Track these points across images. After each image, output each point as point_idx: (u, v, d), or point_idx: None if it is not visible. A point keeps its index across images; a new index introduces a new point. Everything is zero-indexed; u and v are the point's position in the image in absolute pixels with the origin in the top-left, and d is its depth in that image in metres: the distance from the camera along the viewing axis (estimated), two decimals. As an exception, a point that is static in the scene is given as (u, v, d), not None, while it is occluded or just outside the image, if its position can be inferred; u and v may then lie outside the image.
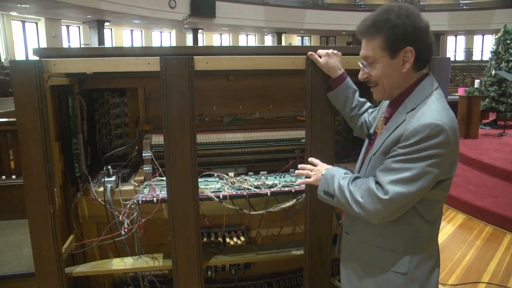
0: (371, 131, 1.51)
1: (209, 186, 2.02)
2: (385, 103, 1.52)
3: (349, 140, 2.63)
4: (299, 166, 1.57)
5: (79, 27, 18.66)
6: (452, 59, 21.70)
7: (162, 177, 2.08)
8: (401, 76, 1.31)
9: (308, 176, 1.51)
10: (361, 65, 1.37)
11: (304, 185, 1.95)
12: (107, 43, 18.60)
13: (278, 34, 23.21)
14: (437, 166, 1.20)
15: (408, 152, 1.20)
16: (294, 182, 2.08)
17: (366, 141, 1.53)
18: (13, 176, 4.27)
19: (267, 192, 1.97)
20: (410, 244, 1.33)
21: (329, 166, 1.48)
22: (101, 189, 2.03)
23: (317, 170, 1.49)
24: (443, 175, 1.24)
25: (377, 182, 1.25)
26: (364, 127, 1.73)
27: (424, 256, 1.35)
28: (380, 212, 1.24)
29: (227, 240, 2.26)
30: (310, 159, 1.55)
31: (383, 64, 1.30)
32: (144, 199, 1.88)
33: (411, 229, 1.32)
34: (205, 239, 2.20)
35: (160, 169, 2.10)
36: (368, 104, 1.76)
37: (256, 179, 2.15)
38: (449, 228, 4.33)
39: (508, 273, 3.31)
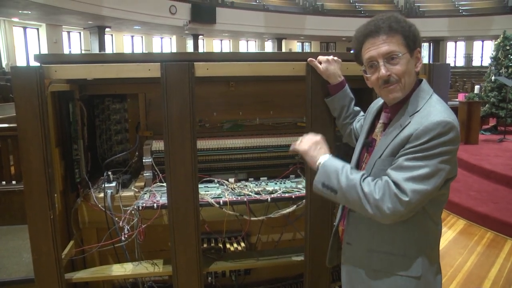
0: (363, 137, 1.51)
1: (209, 192, 2.02)
2: (372, 111, 1.54)
3: (350, 146, 2.63)
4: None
5: (80, 33, 18.75)
6: (452, 64, 21.85)
7: (163, 183, 2.08)
8: (413, 76, 1.34)
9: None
10: (381, 63, 1.29)
11: (304, 191, 1.95)
12: (108, 49, 18.68)
13: (279, 40, 23.30)
14: (448, 162, 1.22)
15: (420, 150, 1.21)
16: (295, 188, 2.08)
17: (358, 148, 1.52)
18: (13, 182, 4.27)
19: (268, 198, 1.97)
20: (422, 247, 1.32)
21: (318, 138, 1.42)
22: (101, 195, 2.03)
23: (306, 138, 1.45)
24: (451, 173, 1.26)
25: (392, 181, 1.23)
26: (352, 134, 1.75)
27: (433, 258, 1.35)
28: (399, 212, 1.21)
29: (227, 246, 2.26)
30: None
31: (406, 60, 1.30)
32: (144, 205, 1.88)
33: (421, 231, 1.32)
34: (205, 245, 2.20)
35: (160, 175, 2.10)
36: (362, 113, 1.77)
37: (257, 185, 2.15)
38: (449, 234, 4.32)
39: (509, 280, 3.30)
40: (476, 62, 24.76)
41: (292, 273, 2.47)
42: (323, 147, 1.43)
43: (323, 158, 1.38)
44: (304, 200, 1.93)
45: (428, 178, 1.20)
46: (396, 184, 1.22)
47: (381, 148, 1.33)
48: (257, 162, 2.32)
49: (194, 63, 1.75)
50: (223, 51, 22.59)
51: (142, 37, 21.36)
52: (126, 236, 1.89)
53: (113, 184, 2.06)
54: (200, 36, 21.43)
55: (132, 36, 21.07)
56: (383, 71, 1.29)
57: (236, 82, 2.42)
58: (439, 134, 1.19)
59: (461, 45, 25.23)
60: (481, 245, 4.01)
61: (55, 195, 1.80)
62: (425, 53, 24.61)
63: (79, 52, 18.29)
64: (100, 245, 2.01)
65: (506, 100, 8.65)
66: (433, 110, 1.25)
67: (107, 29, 17.78)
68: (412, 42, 1.30)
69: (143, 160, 2.12)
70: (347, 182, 1.28)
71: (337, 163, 1.34)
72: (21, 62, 15.77)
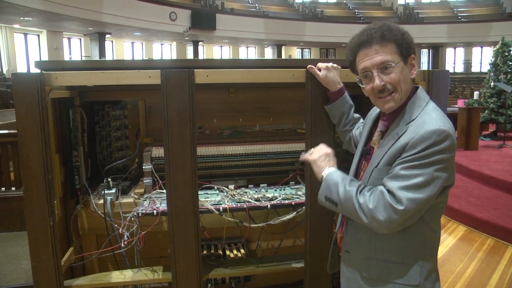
0: (362, 145, 1.51)
1: (209, 198, 2.02)
2: (370, 118, 1.55)
3: (349, 153, 2.64)
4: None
5: (80, 39, 18.81)
6: (451, 71, 21.91)
7: (162, 189, 2.08)
8: (409, 84, 1.34)
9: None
10: (375, 73, 1.30)
11: (304, 197, 1.95)
12: (108, 55, 18.73)
13: (278, 46, 23.37)
14: (445, 170, 1.22)
15: (416, 158, 1.21)
16: (295, 194, 2.08)
17: (357, 156, 1.52)
18: (13, 188, 4.28)
19: (267, 205, 1.97)
20: (419, 255, 1.32)
21: (329, 151, 1.48)
22: (101, 201, 2.03)
23: (318, 149, 1.50)
24: (448, 181, 1.26)
25: (387, 191, 1.24)
26: (352, 141, 1.76)
27: (430, 266, 1.35)
28: (395, 221, 1.22)
29: (227, 252, 2.25)
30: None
31: (400, 68, 1.30)
32: (144, 211, 1.87)
33: (418, 239, 1.32)
34: (205, 252, 2.19)
35: (160, 181, 2.10)
36: (361, 120, 1.77)
37: (256, 191, 2.15)
38: (450, 240, 4.30)
39: (511, 286, 3.28)
40: (475, 68, 24.83)
41: (292, 279, 2.46)
42: (331, 160, 1.46)
43: (328, 170, 1.41)
44: (304, 207, 1.93)
45: (424, 187, 1.20)
46: (391, 193, 1.22)
47: (378, 157, 1.34)
48: (257, 169, 2.32)
49: (194, 70, 1.76)
50: (223, 57, 22.68)
51: (142, 43, 21.43)
52: (125, 242, 1.89)
53: (113, 190, 2.06)
54: (200, 43, 21.49)
55: (133, 43, 21.14)
56: (377, 81, 1.30)
57: (236, 89, 2.42)
58: (435, 142, 1.20)
59: (460, 51, 25.31)
60: (482, 252, 4.00)
61: (55, 201, 1.80)
62: (424, 59, 24.71)
63: (79, 58, 18.35)
64: (99, 252, 2.00)
65: (506, 106, 8.67)
66: (428, 119, 1.25)
67: (107, 36, 17.84)
68: (406, 50, 1.31)
69: (143, 167, 2.12)
70: (345, 194, 1.31)
71: (338, 176, 1.37)
72: (21, 68, 15.82)
